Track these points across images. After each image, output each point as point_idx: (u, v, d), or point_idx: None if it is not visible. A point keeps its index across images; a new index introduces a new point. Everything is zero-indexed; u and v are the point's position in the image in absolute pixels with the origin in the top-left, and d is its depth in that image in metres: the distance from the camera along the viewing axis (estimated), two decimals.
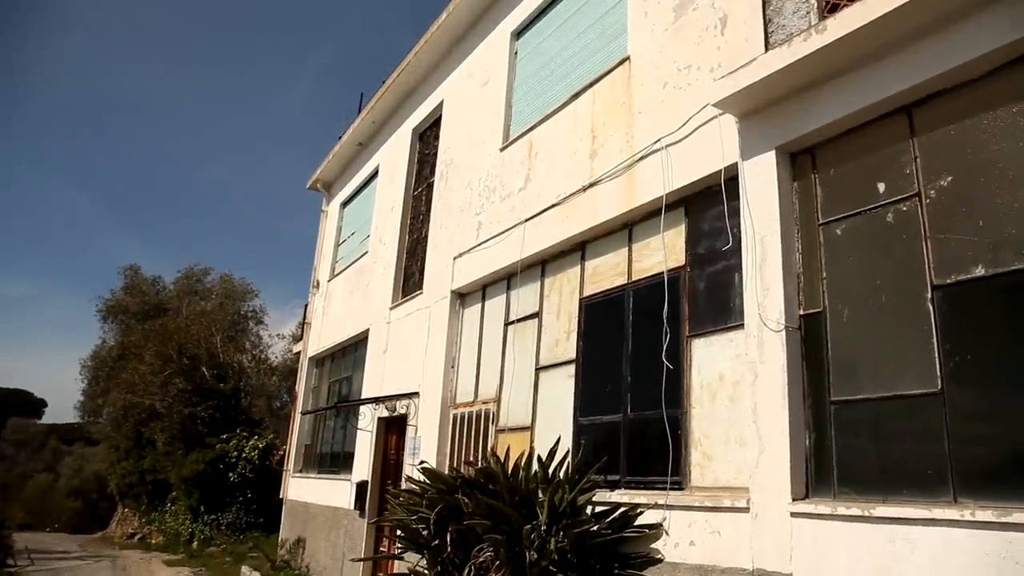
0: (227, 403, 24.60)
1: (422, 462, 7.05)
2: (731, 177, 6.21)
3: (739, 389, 5.86)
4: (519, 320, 8.97)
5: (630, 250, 7.49)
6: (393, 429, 11.86)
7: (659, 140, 7.08)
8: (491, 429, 8.97)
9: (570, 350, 7.94)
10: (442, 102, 12.57)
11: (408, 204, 13.34)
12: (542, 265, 8.83)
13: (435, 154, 12.72)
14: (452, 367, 10.21)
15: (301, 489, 15.64)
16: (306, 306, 18.59)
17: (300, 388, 17.12)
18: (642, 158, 7.29)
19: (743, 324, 5.80)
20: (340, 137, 17.20)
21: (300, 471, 16.33)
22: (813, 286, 5.47)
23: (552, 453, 6.78)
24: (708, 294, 6.44)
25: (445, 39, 12.29)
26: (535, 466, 6.72)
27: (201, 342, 25.62)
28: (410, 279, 12.58)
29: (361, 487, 11.91)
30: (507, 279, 9.48)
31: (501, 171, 9.93)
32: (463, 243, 10.40)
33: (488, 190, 10.13)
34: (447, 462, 9.76)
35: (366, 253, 14.63)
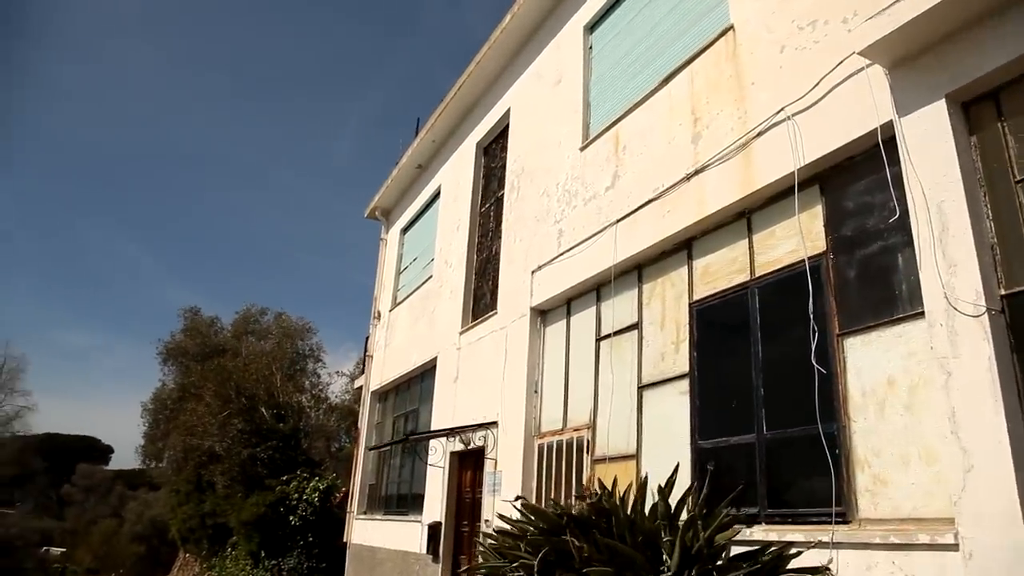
0: (287, 444, 23.88)
1: (518, 497, 5.99)
2: (884, 140, 5.13)
3: (919, 394, 4.71)
4: (614, 334, 7.91)
5: (750, 242, 6.41)
6: (468, 464, 10.83)
7: (781, 110, 6.05)
8: (586, 459, 7.87)
9: (681, 363, 6.84)
10: (509, 110, 11.76)
11: (475, 221, 12.49)
12: (638, 270, 7.80)
13: (503, 165, 11.89)
14: (535, 392, 9.17)
15: (366, 532, 14.65)
16: (367, 339, 17.82)
17: (363, 424, 16.25)
18: (760, 134, 6.27)
19: (920, 313, 4.68)
20: (398, 162, 16.59)
21: (364, 513, 15.36)
22: (1016, 259, 4.32)
23: (670, 483, 5.67)
24: (862, 282, 5.31)
25: (511, 42, 11.52)
26: (652, 499, 5.61)
27: (260, 381, 25.09)
28: (481, 300, 11.65)
29: (434, 529, 10.87)
30: (596, 290, 8.46)
31: (583, 172, 8.99)
32: (542, 255, 9.45)
33: (568, 194, 9.18)
34: (534, 498, 8.67)
35: (431, 277, 13.80)
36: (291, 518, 20.71)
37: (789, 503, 5.45)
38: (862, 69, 5.35)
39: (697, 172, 6.91)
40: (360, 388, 17.48)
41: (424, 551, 11.10)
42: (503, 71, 12.10)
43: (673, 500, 5.52)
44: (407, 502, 13.18)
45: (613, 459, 7.38)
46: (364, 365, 17.30)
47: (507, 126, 11.86)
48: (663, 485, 5.64)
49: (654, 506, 5.58)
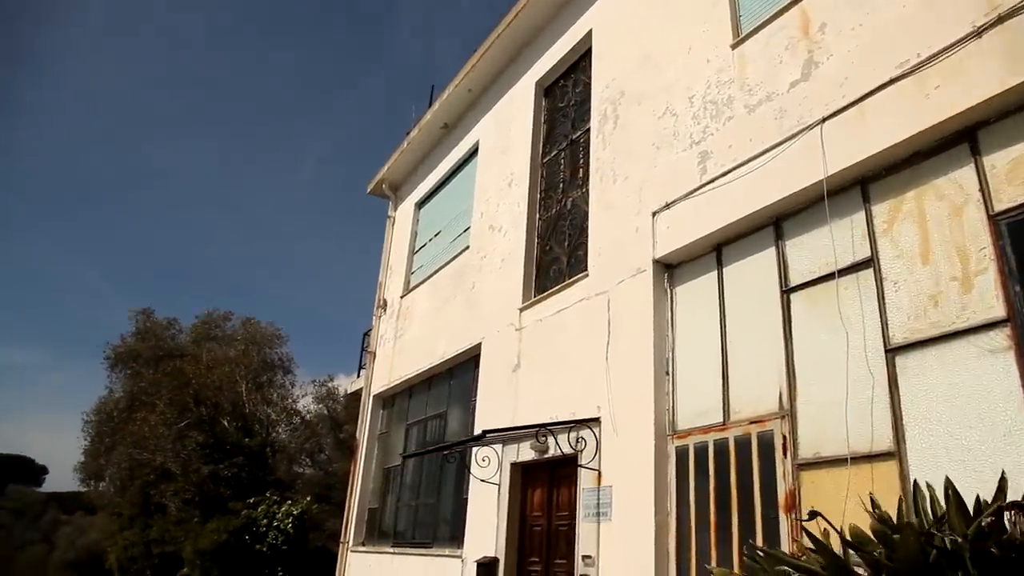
0: (253, 461, 20.69)
1: (812, 513, 3.35)
2: None
3: None
4: (828, 277, 5.39)
5: None
6: (537, 479, 8.12)
7: None
8: (781, 464, 5.27)
9: (984, 305, 4.35)
10: (590, 32, 9.32)
11: (537, 174, 9.93)
12: (861, 185, 5.33)
13: (579, 101, 9.44)
14: (666, 374, 6.56)
15: (368, 569, 11.69)
16: (365, 334, 14.99)
17: (362, 435, 13.35)
18: None
19: None
20: (409, 131, 14.02)
21: (363, 544, 12.41)
22: None
23: None
24: None
25: None
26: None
27: (223, 390, 21.88)
28: (551, 266, 9.05)
29: (486, 571, 8.07)
30: (775, 224, 5.96)
31: (740, 73, 6.55)
32: (670, 189, 6.93)
33: (715, 106, 6.71)
34: (672, 524, 6.04)
35: (467, 248, 11.14)
36: (258, 546, 17.54)
37: None
38: None
39: (1000, 20, 4.50)
40: (358, 391, 14.58)
41: None
42: None
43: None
44: (431, 531, 10.33)
45: (849, 460, 4.78)
46: (364, 363, 14.43)
47: (587, 52, 9.40)
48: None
49: None
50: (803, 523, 3.31)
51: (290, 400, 25.96)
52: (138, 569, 25.18)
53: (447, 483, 10.24)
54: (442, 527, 10.05)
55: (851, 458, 4.75)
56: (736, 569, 5.25)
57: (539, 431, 7.09)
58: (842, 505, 4.67)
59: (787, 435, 5.28)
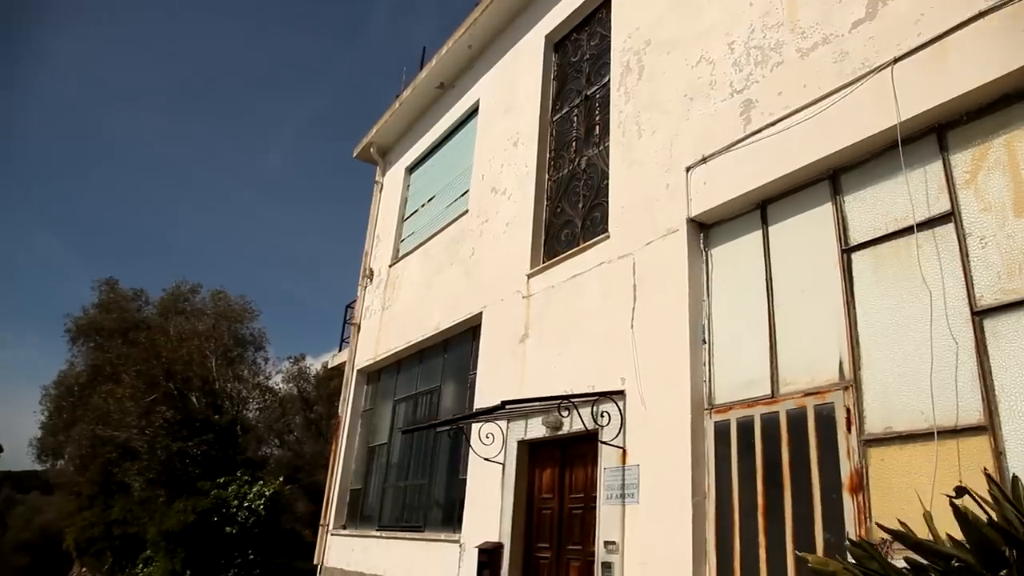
0: (223, 439, 19.82)
1: (960, 489, 2.80)
2: None
3: None
4: (897, 235, 4.85)
5: None
6: (547, 459, 7.54)
7: None
8: (844, 441, 4.73)
9: None
10: None
11: (547, 133, 9.28)
12: (937, 133, 4.79)
13: (596, 55, 8.82)
14: (703, 343, 6.00)
15: (351, 554, 11.04)
16: (348, 306, 14.28)
17: (345, 412, 12.65)
18: None
19: None
20: (401, 91, 13.27)
21: (344, 527, 11.75)
22: None
23: None
24: None
25: None
26: None
27: (192, 365, 20.93)
28: (563, 228, 8.43)
29: (490, 556, 7.46)
30: (831, 177, 5.41)
31: (790, 16, 5.97)
32: (707, 142, 6.34)
33: (760, 51, 6.14)
34: (711, 507, 5.49)
35: (465, 213, 10.48)
36: (227, 528, 16.77)
37: None
38: None
39: None
40: (339, 365, 13.88)
41: None
42: None
43: None
44: (423, 514, 9.71)
45: (937, 434, 4.25)
46: (348, 336, 13.72)
47: (605, 2, 8.77)
48: None
49: None
50: (952, 499, 2.73)
51: (261, 377, 25.06)
52: (98, 550, 24.20)
53: (440, 462, 9.62)
54: (434, 510, 9.44)
55: (945, 431, 4.21)
56: (791, 554, 4.74)
57: (561, 403, 6.48)
58: (921, 483, 4.19)
59: (851, 408, 4.75)
